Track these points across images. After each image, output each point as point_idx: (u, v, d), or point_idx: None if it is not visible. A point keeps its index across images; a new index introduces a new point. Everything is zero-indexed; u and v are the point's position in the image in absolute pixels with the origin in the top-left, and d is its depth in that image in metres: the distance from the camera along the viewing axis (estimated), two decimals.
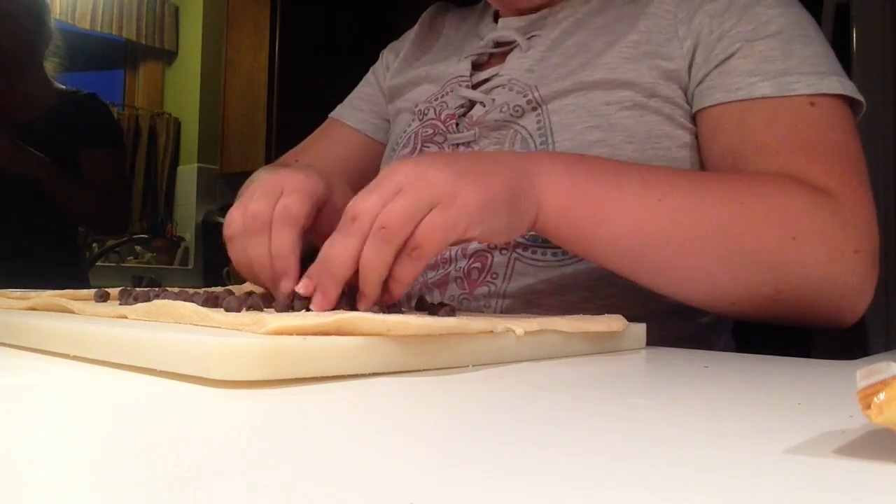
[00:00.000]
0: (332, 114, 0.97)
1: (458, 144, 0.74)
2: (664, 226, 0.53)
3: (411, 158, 0.50)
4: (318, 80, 3.14)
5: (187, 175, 3.32)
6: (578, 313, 0.62)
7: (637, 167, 0.56)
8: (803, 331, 0.92)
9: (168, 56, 3.42)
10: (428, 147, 0.77)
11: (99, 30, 3.18)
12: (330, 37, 3.16)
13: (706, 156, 0.66)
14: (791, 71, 0.60)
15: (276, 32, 3.03)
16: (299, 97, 3.07)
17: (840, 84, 0.60)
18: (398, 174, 0.46)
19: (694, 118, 0.67)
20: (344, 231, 0.45)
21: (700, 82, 0.65)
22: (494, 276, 0.68)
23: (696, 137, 0.67)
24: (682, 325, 0.68)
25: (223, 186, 3.29)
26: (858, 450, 0.21)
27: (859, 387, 0.20)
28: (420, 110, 0.80)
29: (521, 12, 0.79)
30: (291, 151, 0.98)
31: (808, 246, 0.54)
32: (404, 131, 0.82)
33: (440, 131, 0.76)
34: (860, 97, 0.61)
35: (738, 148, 0.61)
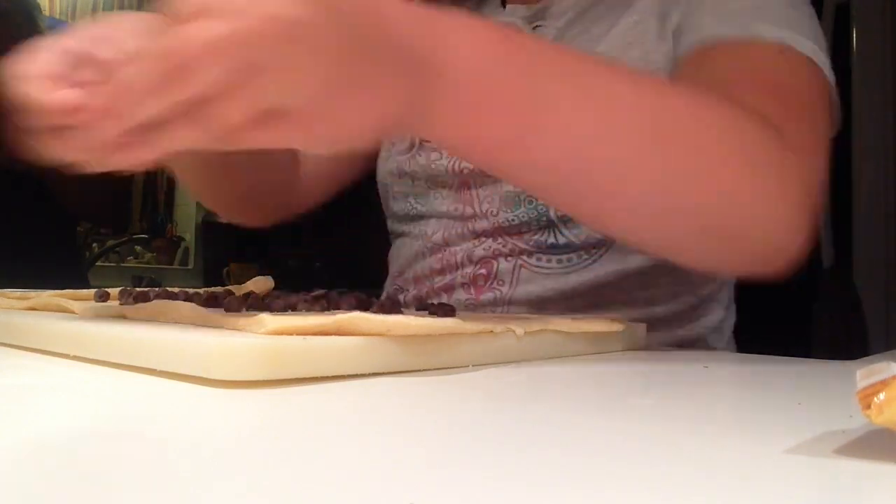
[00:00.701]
0: None
1: None
2: (606, 145, 0.44)
3: None
4: None
5: None
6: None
7: (577, 56, 0.46)
8: (803, 331, 0.92)
9: None
10: (428, 143, 0.75)
11: None
12: None
13: None
14: (763, 20, 0.56)
15: None
16: None
17: (814, 52, 0.56)
18: None
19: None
20: None
21: (676, 32, 0.62)
22: (501, 282, 0.68)
23: None
24: (686, 328, 0.67)
25: None
26: (858, 450, 0.21)
27: (859, 387, 0.20)
28: None
29: (526, 0, 0.76)
30: None
31: (758, 179, 0.48)
32: None
33: None
34: (832, 77, 0.57)
35: (699, 82, 0.55)
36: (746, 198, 0.47)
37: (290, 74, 0.32)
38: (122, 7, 3.24)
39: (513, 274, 0.67)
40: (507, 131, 0.41)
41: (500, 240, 0.69)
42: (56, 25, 1.76)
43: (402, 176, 0.76)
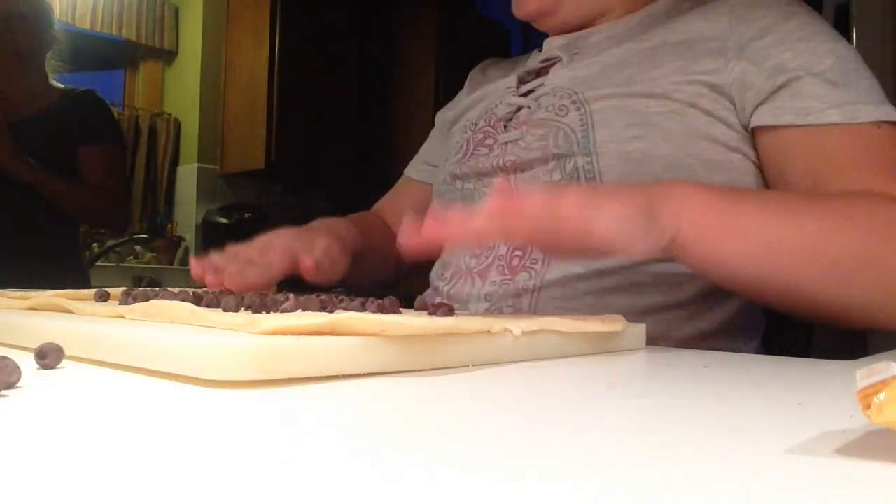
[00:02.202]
0: (405, 170, 1.07)
1: (506, 143, 0.78)
2: (792, 245, 0.57)
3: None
4: (318, 80, 3.14)
5: (187, 175, 3.31)
6: (613, 298, 0.66)
7: (751, 192, 0.61)
8: (803, 331, 0.92)
9: (168, 56, 3.42)
10: (479, 150, 0.82)
11: (99, 30, 3.17)
12: (330, 37, 3.16)
13: (779, 173, 0.69)
14: (854, 100, 0.66)
15: (276, 32, 3.03)
16: (299, 97, 3.07)
17: (892, 112, 0.66)
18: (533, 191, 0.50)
19: (752, 132, 0.71)
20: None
21: (763, 102, 0.69)
22: (534, 261, 0.71)
23: (755, 149, 0.71)
24: (707, 318, 0.70)
25: (223, 186, 3.29)
26: (858, 450, 0.21)
27: (859, 387, 0.20)
28: (472, 122, 0.86)
29: (563, 31, 0.85)
30: (378, 203, 1.09)
31: None
32: (457, 141, 0.87)
33: (490, 134, 0.82)
34: None
35: (818, 169, 0.66)
36: None
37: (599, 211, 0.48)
38: (121, 7, 3.23)
39: (546, 254, 0.70)
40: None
41: None
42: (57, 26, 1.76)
43: (455, 180, 0.84)
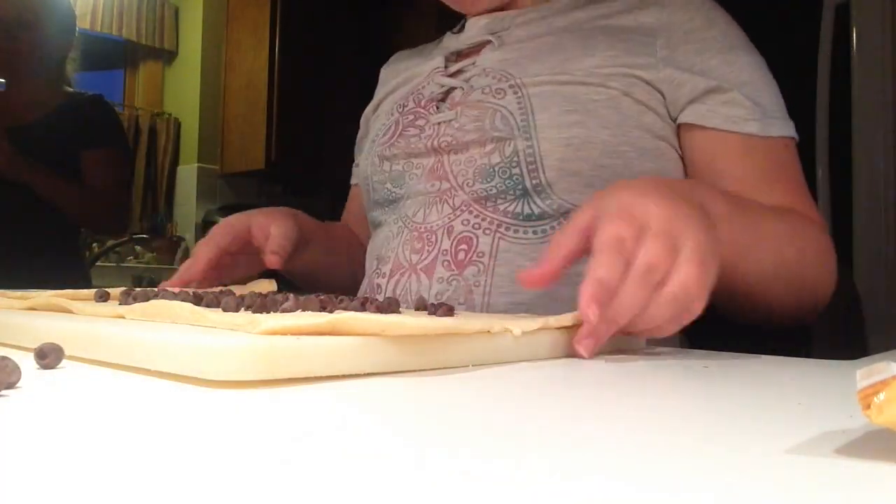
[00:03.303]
0: (351, 180, 1.06)
1: (439, 123, 0.78)
2: (784, 258, 0.63)
3: (620, 187, 0.51)
4: (318, 80, 3.14)
5: (187, 175, 3.32)
6: (560, 288, 0.65)
7: (742, 200, 0.63)
8: (803, 331, 0.92)
9: (168, 56, 3.42)
10: (408, 131, 0.80)
11: (99, 30, 3.17)
12: (330, 37, 3.16)
13: (708, 172, 0.73)
14: (768, 115, 0.71)
15: (276, 32, 3.03)
16: (299, 97, 3.07)
17: (793, 129, 0.73)
18: (623, 204, 0.48)
19: (679, 126, 0.74)
20: (629, 280, 0.45)
21: (695, 100, 0.72)
22: (481, 254, 0.71)
23: (679, 141, 0.75)
24: None
25: (223, 186, 3.29)
26: (858, 450, 0.21)
27: (859, 387, 0.20)
28: (399, 104, 0.85)
29: (484, 11, 0.84)
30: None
31: (832, 265, 0.69)
32: (384, 123, 0.85)
33: (421, 115, 0.80)
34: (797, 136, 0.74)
35: (748, 179, 0.71)
36: (825, 276, 0.68)
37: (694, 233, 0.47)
38: (121, 7, 3.24)
39: (492, 246, 0.70)
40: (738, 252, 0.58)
41: (476, 213, 0.72)
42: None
43: (383, 162, 0.82)
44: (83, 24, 3.09)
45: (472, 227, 0.72)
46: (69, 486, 0.16)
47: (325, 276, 0.92)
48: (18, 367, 0.28)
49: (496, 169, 0.72)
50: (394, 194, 0.80)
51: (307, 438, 0.22)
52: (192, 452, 0.20)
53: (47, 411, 0.25)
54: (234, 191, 3.31)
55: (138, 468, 0.18)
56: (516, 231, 0.70)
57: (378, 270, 0.78)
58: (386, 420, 0.26)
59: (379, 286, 0.77)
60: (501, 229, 0.71)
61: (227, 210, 3.04)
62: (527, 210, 0.70)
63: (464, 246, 0.72)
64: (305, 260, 0.84)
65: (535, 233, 0.70)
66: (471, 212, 0.72)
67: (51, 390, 0.29)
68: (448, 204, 0.74)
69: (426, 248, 0.74)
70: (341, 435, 0.23)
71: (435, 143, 0.76)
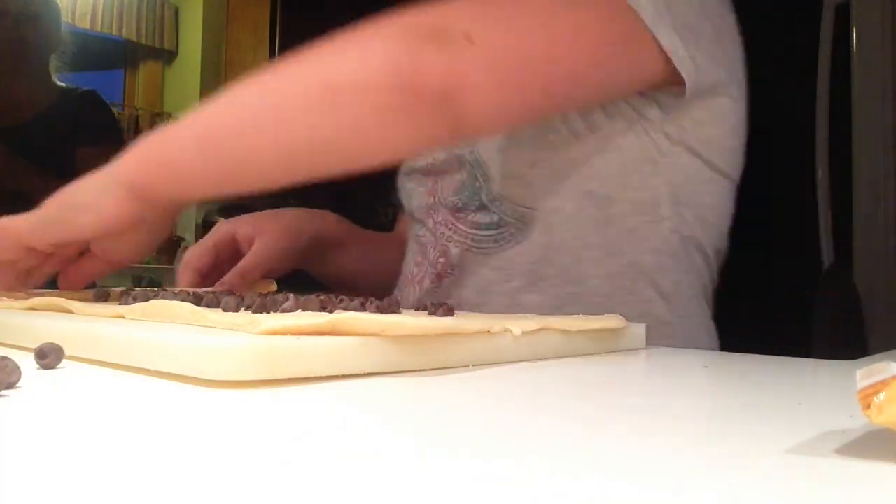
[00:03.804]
0: None
1: None
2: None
3: None
4: None
5: None
6: (523, 296, 0.67)
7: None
8: (803, 331, 0.92)
9: (168, 56, 3.42)
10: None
11: (99, 30, 3.17)
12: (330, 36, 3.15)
13: None
14: None
15: (276, 32, 3.03)
16: None
17: None
18: None
19: None
20: None
21: None
22: (453, 266, 0.72)
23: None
24: (624, 306, 0.66)
25: None
26: (858, 450, 0.21)
27: (859, 387, 0.20)
28: None
29: None
30: None
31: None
32: None
33: None
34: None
35: None
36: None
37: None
38: (122, 7, 3.24)
39: (462, 258, 0.72)
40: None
41: (451, 226, 0.73)
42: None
43: (402, 178, 0.83)
44: (83, 23, 3.09)
45: (446, 239, 0.73)
46: (69, 485, 0.16)
47: (362, 282, 0.91)
48: (18, 367, 0.28)
49: (466, 183, 0.72)
50: (409, 210, 0.81)
51: (307, 438, 0.22)
52: (192, 452, 0.20)
53: (47, 411, 0.25)
54: None
55: (138, 468, 0.18)
56: (480, 241, 0.71)
57: (398, 282, 0.81)
58: (386, 420, 0.26)
59: (393, 294, 0.80)
60: (468, 240, 0.72)
61: (228, 210, 3.04)
62: (486, 219, 0.70)
63: (442, 259, 0.73)
64: (333, 264, 0.84)
65: (495, 241, 0.70)
66: (447, 225, 0.74)
67: (51, 390, 0.29)
68: (434, 219, 0.75)
69: (423, 260, 0.76)
70: (341, 435, 0.23)
71: (429, 160, 0.78)
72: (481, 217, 0.71)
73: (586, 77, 0.59)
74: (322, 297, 0.47)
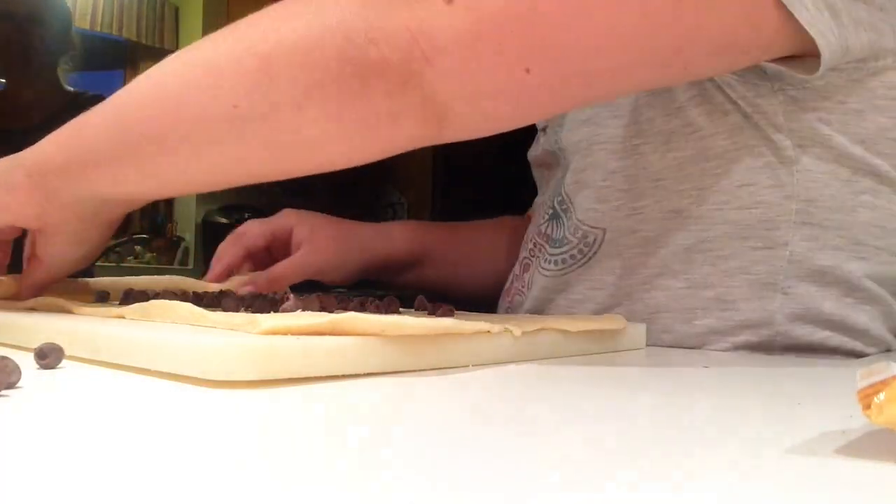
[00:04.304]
0: None
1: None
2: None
3: None
4: None
5: None
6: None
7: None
8: None
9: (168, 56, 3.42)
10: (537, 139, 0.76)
11: (99, 30, 3.18)
12: None
13: None
14: None
15: None
16: None
17: None
18: None
19: None
20: None
21: None
22: (524, 285, 0.67)
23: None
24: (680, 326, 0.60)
25: None
26: (858, 450, 0.21)
27: (859, 387, 0.20)
28: None
29: None
30: None
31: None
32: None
33: None
34: None
35: None
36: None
37: None
38: (122, 7, 3.24)
39: (531, 278, 0.66)
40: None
41: (532, 235, 0.68)
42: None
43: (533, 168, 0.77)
44: (83, 23, 3.10)
45: (529, 253, 0.67)
46: (69, 485, 0.16)
47: (468, 285, 0.82)
48: (18, 367, 0.28)
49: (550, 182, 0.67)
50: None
51: (307, 438, 0.22)
52: (192, 452, 0.20)
53: (47, 411, 0.25)
54: (234, 190, 3.30)
55: (138, 468, 0.18)
56: (545, 258, 0.62)
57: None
58: (386, 420, 0.26)
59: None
60: (536, 250, 0.65)
61: (228, 210, 3.05)
62: (553, 232, 0.62)
63: (525, 274, 0.67)
64: (416, 279, 0.78)
65: (555, 263, 0.61)
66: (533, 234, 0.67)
67: (51, 390, 0.29)
68: (534, 223, 0.69)
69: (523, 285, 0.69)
70: (341, 435, 0.23)
71: (551, 145, 0.69)
72: (549, 228, 0.64)
73: (645, 49, 0.40)
74: (322, 297, 0.47)
